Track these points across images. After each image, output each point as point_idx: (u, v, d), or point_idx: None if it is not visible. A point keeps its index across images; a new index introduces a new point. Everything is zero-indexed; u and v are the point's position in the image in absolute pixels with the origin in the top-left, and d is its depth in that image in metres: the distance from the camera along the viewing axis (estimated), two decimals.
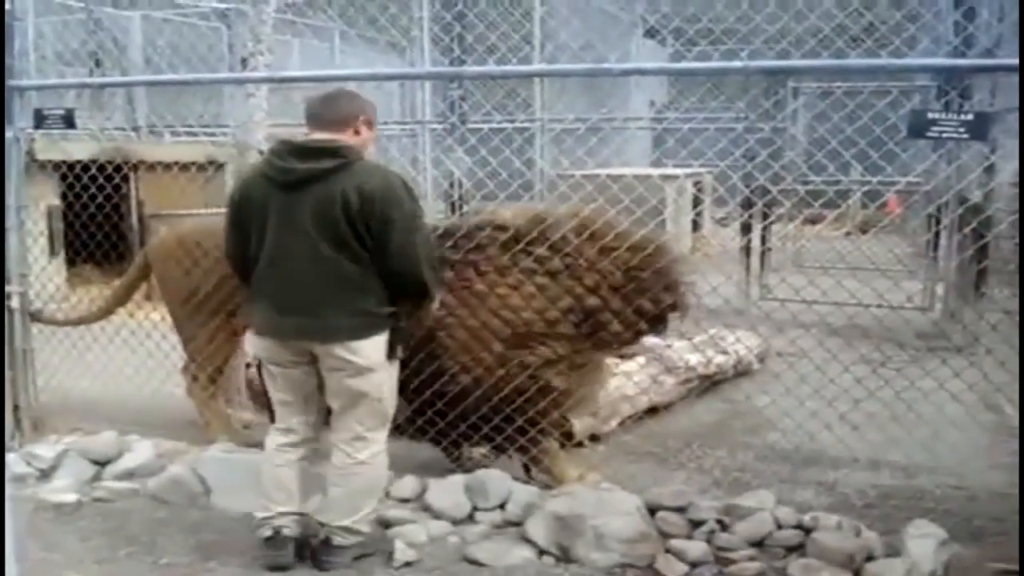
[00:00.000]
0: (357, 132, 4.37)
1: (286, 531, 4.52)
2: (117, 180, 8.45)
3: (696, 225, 15.39)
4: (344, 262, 4.23)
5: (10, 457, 5.66)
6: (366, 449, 4.42)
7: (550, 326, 5.11)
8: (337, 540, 4.48)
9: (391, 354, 4.38)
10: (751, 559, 4.50)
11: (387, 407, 4.46)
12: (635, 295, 5.15)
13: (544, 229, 5.18)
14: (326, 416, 4.57)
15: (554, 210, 5.44)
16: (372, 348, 4.30)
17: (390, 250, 4.21)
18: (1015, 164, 7.19)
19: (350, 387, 4.35)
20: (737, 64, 5.01)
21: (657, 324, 5.29)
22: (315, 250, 4.23)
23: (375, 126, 4.51)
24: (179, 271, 6.12)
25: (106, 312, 6.75)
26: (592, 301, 5.12)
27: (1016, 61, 5.21)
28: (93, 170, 7.42)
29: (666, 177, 13.06)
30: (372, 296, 4.29)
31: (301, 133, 4.48)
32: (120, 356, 6.89)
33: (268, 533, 4.51)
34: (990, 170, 7.99)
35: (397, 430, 5.46)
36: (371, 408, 4.39)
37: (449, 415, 5.26)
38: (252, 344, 4.55)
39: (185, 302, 6.12)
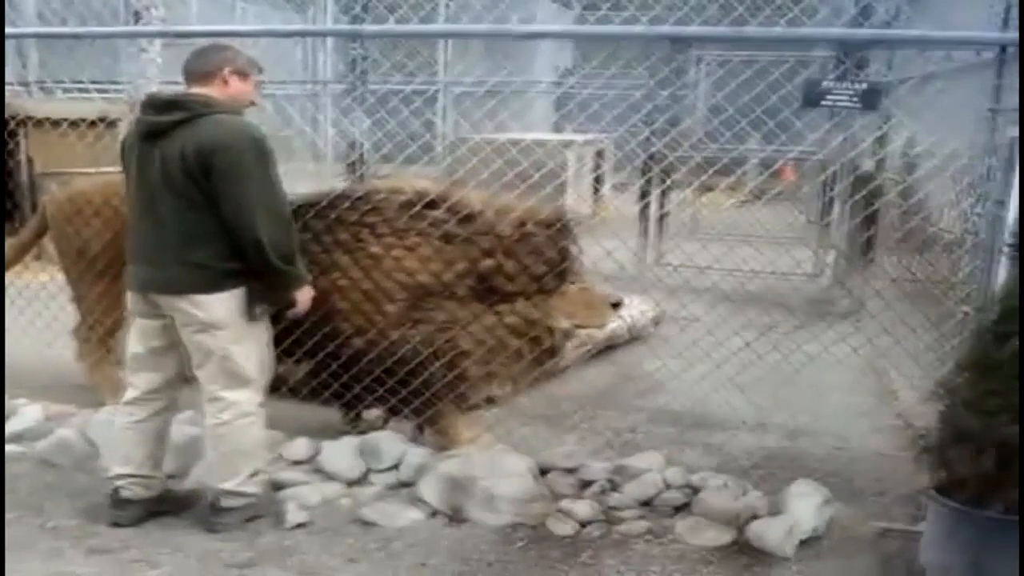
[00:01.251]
0: (225, 83, 4.33)
1: (124, 492, 4.55)
2: (4, 137, 8.24)
3: (595, 191, 15.48)
4: (186, 215, 4.21)
5: None
6: (227, 411, 4.38)
7: (444, 288, 5.13)
8: (224, 502, 4.49)
9: (250, 314, 4.34)
10: (640, 518, 4.61)
11: (240, 366, 4.37)
12: (528, 257, 5.17)
13: (442, 194, 5.19)
14: (184, 377, 4.55)
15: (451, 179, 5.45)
16: (218, 304, 4.26)
17: (223, 205, 4.16)
18: (908, 135, 7.36)
19: (198, 343, 4.34)
20: (638, 28, 5.05)
21: (550, 285, 5.32)
22: (161, 202, 4.24)
23: (250, 77, 4.42)
24: (71, 229, 6.00)
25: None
26: (487, 264, 5.14)
27: (908, 33, 5.34)
28: None
29: (566, 143, 13.11)
30: (213, 250, 4.23)
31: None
32: (7, 317, 6.74)
33: (108, 492, 4.57)
34: (881, 140, 8.16)
35: (291, 392, 5.48)
36: (221, 367, 4.34)
37: (343, 377, 5.26)
38: None
39: (77, 260, 6.00)
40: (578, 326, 5.45)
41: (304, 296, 4.47)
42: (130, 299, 4.52)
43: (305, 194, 5.45)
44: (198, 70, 4.34)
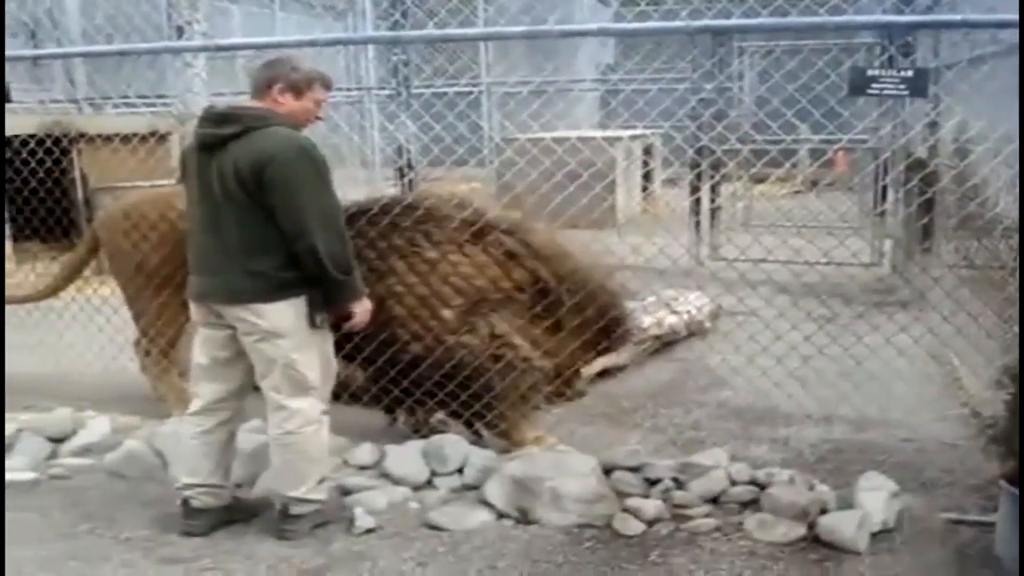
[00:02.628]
0: (275, 100, 4.34)
1: (194, 502, 4.58)
2: (58, 154, 8.35)
3: (644, 187, 15.44)
4: (244, 225, 4.23)
5: None
6: (291, 420, 4.40)
7: (502, 294, 5.15)
8: (294, 509, 4.51)
9: (311, 322, 4.36)
10: (707, 515, 4.57)
11: (303, 375, 4.38)
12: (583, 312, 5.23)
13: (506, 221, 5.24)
14: (249, 387, 4.58)
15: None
16: (278, 312, 4.28)
17: (278, 216, 4.18)
18: (958, 120, 7.28)
19: (260, 352, 4.36)
20: (678, 24, 5.03)
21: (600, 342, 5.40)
22: (220, 212, 4.26)
23: (306, 94, 4.38)
24: (127, 243, 6.06)
25: (56, 289, 6.67)
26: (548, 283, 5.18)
27: (953, 17, 5.28)
28: (33, 144, 7.31)
29: (612, 139, 13.08)
30: (272, 259, 4.25)
31: (242, 100, 4.47)
32: (70, 332, 6.84)
33: (178, 503, 4.61)
34: (932, 126, 8.08)
35: (353, 397, 5.52)
36: (284, 375, 4.36)
37: (402, 383, 5.29)
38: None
39: (134, 275, 6.06)
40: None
41: (361, 308, 4.46)
42: (193, 309, 4.56)
43: (360, 201, 5.49)
44: (254, 84, 4.37)
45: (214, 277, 4.36)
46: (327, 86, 4.50)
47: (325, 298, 4.36)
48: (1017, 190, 5.36)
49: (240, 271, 4.28)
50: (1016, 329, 4.87)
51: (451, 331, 5.16)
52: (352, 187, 9.80)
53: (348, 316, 4.45)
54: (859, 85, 4.91)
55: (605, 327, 5.33)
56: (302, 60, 4.45)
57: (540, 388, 5.41)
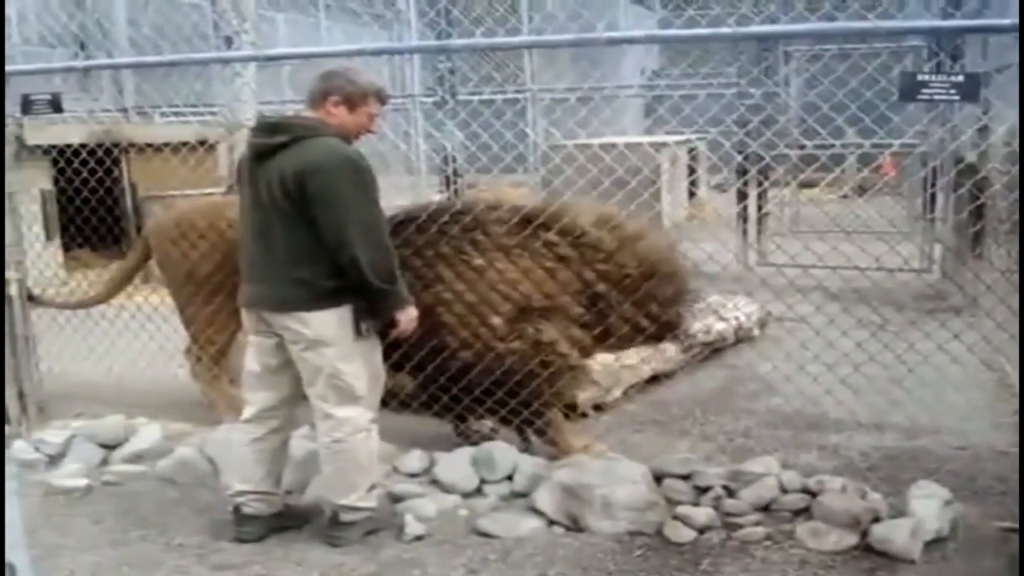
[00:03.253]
0: (328, 112, 4.36)
1: (246, 509, 4.62)
2: (108, 163, 8.44)
3: (691, 193, 15.39)
4: (290, 233, 4.27)
5: (18, 444, 5.68)
6: (339, 429, 4.41)
7: (551, 301, 5.14)
8: (344, 516, 4.53)
9: (356, 331, 4.37)
10: (758, 524, 4.55)
11: (349, 384, 4.39)
12: (642, 300, 5.20)
13: (551, 214, 5.22)
14: (301, 395, 4.59)
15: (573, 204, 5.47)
16: (322, 321, 4.30)
17: (321, 225, 4.20)
18: (1008, 124, 7.20)
19: (306, 360, 4.38)
20: (725, 30, 5.00)
21: (659, 332, 5.36)
22: (269, 221, 4.31)
23: (360, 107, 4.39)
24: (178, 252, 6.12)
25: (107, 296, 6.74)
26: (600, 288, 5.16)
27: (1002, 22, 5.21)
28: (84, 154, 7.40)
29: (659, 146, 13.05)
30: (317, 268, 4.27)
31: (291, 110, 4.50)
32: (122, 340, 6.90)
33: (230, 509, 4.66)
34: (983, 130, 7.99)
35: (402, 404, 5.54)
36: (330, 384, 4.37)
37: (451, 390, 5.30)
38: None
39: (185, 283, 6.12)
40: None
41: (406, 316, 4.45)
42: (244, 317, 4.60)
43: (407, 207, 5.51)
44: (310, 95, 4.41)
45: (262, 285, 4.41)
46: (382, 100, 4.52)
47: (370, 307, 4.37)
48: None
49: (286, 279, 4.31)
50: None
51: (499, 338, 5.16)
52: (397, 194, 9.85)
53: (393, 324, 4.46)
54: (909, 90, 4.86)
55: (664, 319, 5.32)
56: (360, 73, 4.46)
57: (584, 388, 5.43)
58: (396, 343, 4.78)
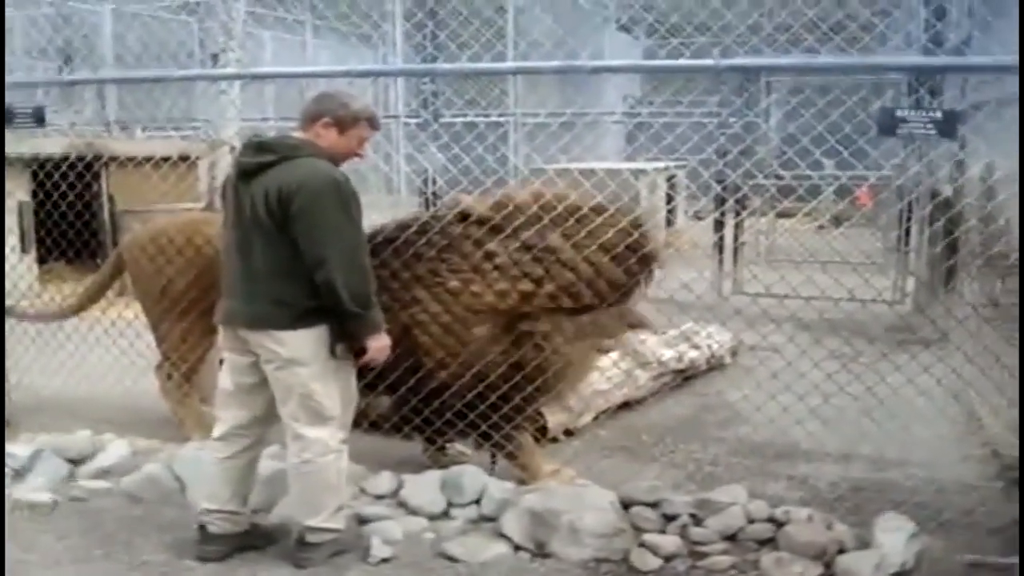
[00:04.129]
0: (318, 134, 4.39)
1: (211, 528, 4.60)
2: (88, 176, 8.42)
3: (669, 221, 15.43)
4: (271, 252, 4.27)
5: None
6: (308, 449, 4.40)
7: (528, 303, 5.14)
8: (310, 538, 4.51)
9: (331, 352, 4.37)
10: (724, 552, 4.55)
11: (322, 404, 4.38)
12: (607, 264, 5.19)
13: (510, 213, 5.22)
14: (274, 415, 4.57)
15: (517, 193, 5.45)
16: (299, 341, 4.30)
17: (301, 245, 4.21)
18: (984, 161, 7.26)
19: (279, 380, 4.38)
20: (708, 62, 5.04)
21: (631, 288, 5.33)
22: (250, 239, 4.32)
23: (350, 131, 4.42)
24: (152, 267, 6.10)
25: (79, 308, 6.71)
26: (567, 276, 5.14)
27: (982, 60, 5.27)
28: (64, 166, 7.38)
29: (638, 172, 13.10)
30: (296, 288, 4.27)
31: (274, 128, 4.52)
32: (93, 354, 6.87)
33: (196, 527, 4.65)
34: (959, 165, 8.06)
35: (372, 425, 5.53)
36: (303, 404, 4.37)
37: (424, 411, 5.30)
38: None
39: (159, 299, 6.10)
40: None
41: (378, 343, 4.43)
42: (221, 334, 4.60)
43: (380, 226, 5.52)
44: (302, 115, 4.44)
45: (240, 302, 4.41)
46: (374, 126, 4.56)
47: (345, 329, 4.37)
48: None
49: (265, 298, 4.31)
50: None
51: (473, 358, 5.16)
52: (376, 214, 9.85)
53: (363, 351, 4.45)
54: (888, 125, 4.91)
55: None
56: (355, 99, 4.51)
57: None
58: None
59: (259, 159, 4.30)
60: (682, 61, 5.32)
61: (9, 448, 5.67)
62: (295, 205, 4.18)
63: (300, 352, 4.31)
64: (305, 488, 4.49)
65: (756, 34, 10.60)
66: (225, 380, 4.60)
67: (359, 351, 4.44)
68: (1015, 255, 5.98)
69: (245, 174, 4.34)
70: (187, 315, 5.96)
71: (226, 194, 4.53)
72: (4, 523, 4.80)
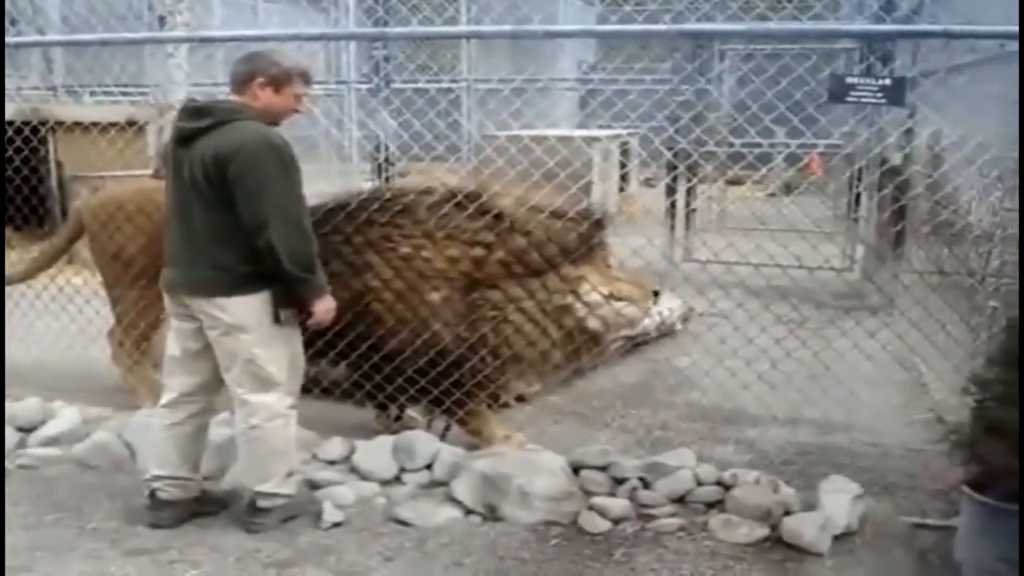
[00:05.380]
0: (255, 95, 4.34)
1: (161, 494, 4.61)
2: (35, 142, 8.31)
3: (621, 187, 15.47)
4: (210, 218, 4.25)
5: None
6: (255, 415, 4.40)
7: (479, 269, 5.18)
8: (261, 503, 4.53)
9: (275, 317, 4.36)
10: (672, 515, 4.63)
11: (266, 370, 4.37)
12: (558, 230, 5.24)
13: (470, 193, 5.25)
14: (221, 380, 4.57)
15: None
16: (241, 307, 4.29)
17: (239, 209, 4.18)
18: (932, 129, 7.34)
19: (223, 345, 4.38)
20: (661, 27, 5.07)
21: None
22: (190, 205, 4.30)
23: (286, 88, 4.37)
24: (107, 234, 6.04)
25: (34, 272, 6.63)
26: (518, 242, 5.17)
27: (932, 27, 5.32)
28: (10, 132, 7.28)
29: (590, 139, 13.12)
30: (236, 253, 4.25)
31: (222, 93, 4.48)
32: (42, 321, 6.82)
33: (146, 494, 4.65)
34: (908, 133, 8.14)
35: (324, 392, 5.54)
36: (246, 370, 4.36)
37: (376, 378, 5.31)
38: None
39: (112, 265, 6.05)
40: (620, 299, 5.41)
41: (324, 306, 4.43)
42: (166, 301, 4.57)
43: (335, 194, 5.51)
44: (234, 78, 4.37)
45: (182, 269, 4.39)
46: (307, 81, 4.50)
47: (288, 294, 4.36)
48: (990, 200, 5.43)
49: (205, 264, 4.30)
50: (984, 336, 4.94)
51: (426, 324, 5.19)
52: (327, 181, 9.80)
53: (310, 314, 4.44)
54: (838, 92, 4.96)
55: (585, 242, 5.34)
56: (284, 55, 4.45)
57: (512, 380, 5.45)
58: (321, 330, 4.79)
59: (196, 123, 4.26)
60: (635, 26, 5.30)
61: None
62: (232, 169, 4.14)
63: (243, 318, 4.30)
64: (253, 454, 4.50)
65: (708, 0, 10.60)
66: (172, 346, 4.59)
67: (305, 316, 4.44)
68: (961, 223, 6.08)
69: (183, 139, 4.30)
70: (139, 280, 5.91)
71: (166, 160, 4.51)
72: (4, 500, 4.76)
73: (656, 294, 5.58)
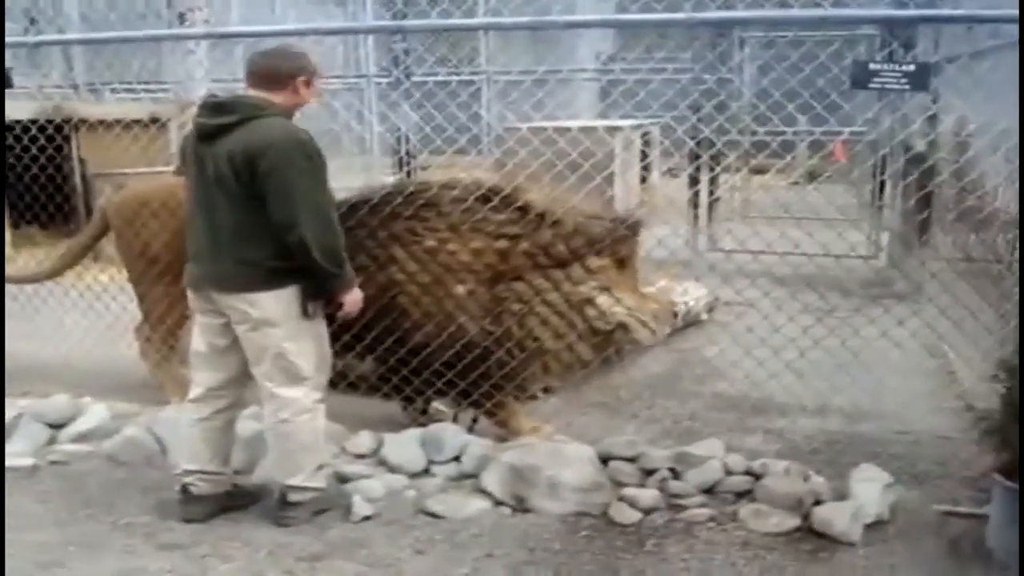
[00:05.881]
0: (296, 91, 4.36)
1: (193, 489, 4.63)
2: (59, 140, 8.34)
3: (643, 178, 15.41)
4: (238, 214, 4.26)
5: None
6: (284, 409, 4.42)
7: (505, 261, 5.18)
8: (292, 497, 4.55)
9: (303, 311, 4.37)
10: (702, 505, 4.61)
11: (295, 364, 4.40)
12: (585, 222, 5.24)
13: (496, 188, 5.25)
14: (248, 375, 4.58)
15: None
16: (270, 301, 4.30)
17: (269, 204, 4.19)
18: (957, 115, 7.30)
19: (252, 340, 4.39)
20: (681, 16, 5.03)
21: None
22: (216, 201, 4.29)
23: (314, 83, 4.43)
24: (133, 231, 6.06)
25: (61, 269, 6.66)
26: (545, 235, 5.18)
27: (955, 12, 5.28)
28: (34, 130, 7.31)
29: (612, 130, 13.07)
30: (264, 248, 4.26)
31: (241, 88, 4.48)
32: (70, 318, 6.86)
33: (177, 489, 4.66)
34: (932, 119, 8.09)
35: (351, 386, 5.55)
36: (276, 364, 4.38)
37: (403, 371, 5.32)
38: None
39: (138, 261, 6.07)
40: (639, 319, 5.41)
41: (352, 298, 4.46)
42: (190, 297, 4.59)
43: (360, 189, 5.51)
44: (268, 74, 4.34)
45: (208, 265, 4.39)
46: (318, 73, 4.53)
47: (316, 288, 4.37)
48: (1016, 185, 5.39)
49: (232, 260, 4.30)
50: (1013, 323, 4.90)
51: (453, 317, 5.19)
52: (349, 175, 9.81)
53: (339, 306, 4.46)
54: (861, 79, 4.93)
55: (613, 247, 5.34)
56: (309, 51, 4.47)
57: (538, 373, 5.42)
58: (348, 324, 4.80)
59: (220, 120, 4.26)
60: (655, 15, 5.28)
61: None
62: (263, 165, 4.15)
63: (271, 313, 4.32)
64: (283, 448, 4.52)
65: None
66: (197, 342, 4.60)
67: (334, 308, 4.46)
68: (988, 209, 6.04)
69: (206, 135, 4.30)
70: (165, 276, 5.92)
71: (186, 157, 4.50)
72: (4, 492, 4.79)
73: (675, 315, 5.57)
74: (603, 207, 5.34)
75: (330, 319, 4.55)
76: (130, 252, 6.10)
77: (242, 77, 4.45)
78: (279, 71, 4.35)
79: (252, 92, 4.37)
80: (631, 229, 5.38)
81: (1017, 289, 4.95)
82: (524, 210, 5.21)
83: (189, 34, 6.57)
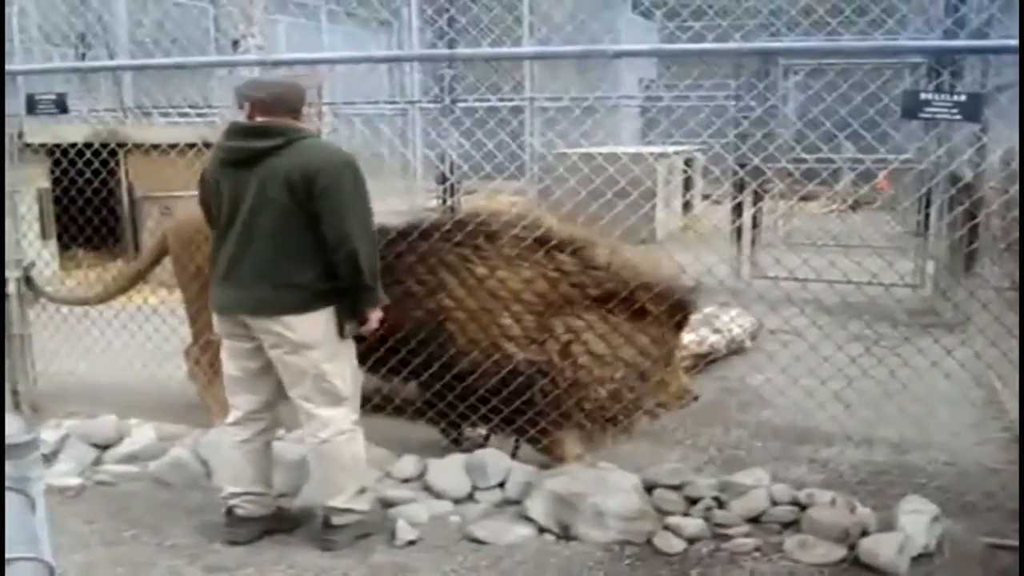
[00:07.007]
0: (301, 117, 4.51)
1: (239, 511, 4.67)
2: (111, 163, 8.43)
3: (687, 204, 15.42)
4: (286, 236, 4.32)
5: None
6: (324, 429, 4.46)
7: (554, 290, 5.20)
8: (335, 520, 4.57)
9: (340, 332, 4.43)
10: (747, 535, 4.59)
11: (334, 385, 4.45)
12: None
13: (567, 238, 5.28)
14: (282, 396, 4.63)
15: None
16: (308, 324, 4.35)
17: (325, 222, 4.26)
18: (1007, 145, 7.23)
19: (289, 364, 4.43)
20: (730, 46, 5.06)
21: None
22: (256, 225, 4.34)
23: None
24: (187, 253, 6.13)
25: (115, 292, 6.72)
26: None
27: (1006, 42, 5.25)
28: (87, 153, 7.41)
29: (658, 156, 13.09)
30: (308, 271, 4.33)
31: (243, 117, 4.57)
32: (118, 340, 6.92)
33: (223, 511, 4.70)
34: (981, 150, 8.03)
35: (396, 411, 5.57)
36: (316, 386, 4.43)
37: (448, 397, 5.32)
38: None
39: (191, 284, 6.13)
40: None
41: (375, 315, 4.52)
42: (216, 321, 4.63)
43: (409, 213, 5.55)
44: (288, 103, 4.44)
45: (244, 291, 4.43)
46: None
47: (352, 305, 4.43)
48: None
49: (272, 284, 4.35)
50: None
51: (498, 347, 5.20)
52: (393, 197, 9.85)
53: (364, 320, 4.51)
54: (912, 109, 4.91)
55: (671, 316, 5.34)
56: (290, 79, 4.85)
57: (604, 403, 5.39)
58: (395, 348, 4.84)
59: (262, 143, 4.32)
60: (703, 45, 5.30)
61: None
62: (320, 185, 4.23)
63: (310, 335, 4.37)
64: (325, 468, 4.56)
65: (779, 19, 10.55)
66: (229, 367, 4.65)
67: (360, 322, 4.52)
68: None
69: (244, 160, 4.35)
70: None
71: (207, 184, 4.56)
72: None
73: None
74: (667, 271, 5.32)
75: (380, 342, 4.60)
76: (185, 274, 6.17)
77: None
78: (291, 99, 4.48)
79: (273, 119, 4.42)
80: (691, 300, 5.38)
81: None
82: (587, 262, 5.24)
83: (240, 61, 6.65)
